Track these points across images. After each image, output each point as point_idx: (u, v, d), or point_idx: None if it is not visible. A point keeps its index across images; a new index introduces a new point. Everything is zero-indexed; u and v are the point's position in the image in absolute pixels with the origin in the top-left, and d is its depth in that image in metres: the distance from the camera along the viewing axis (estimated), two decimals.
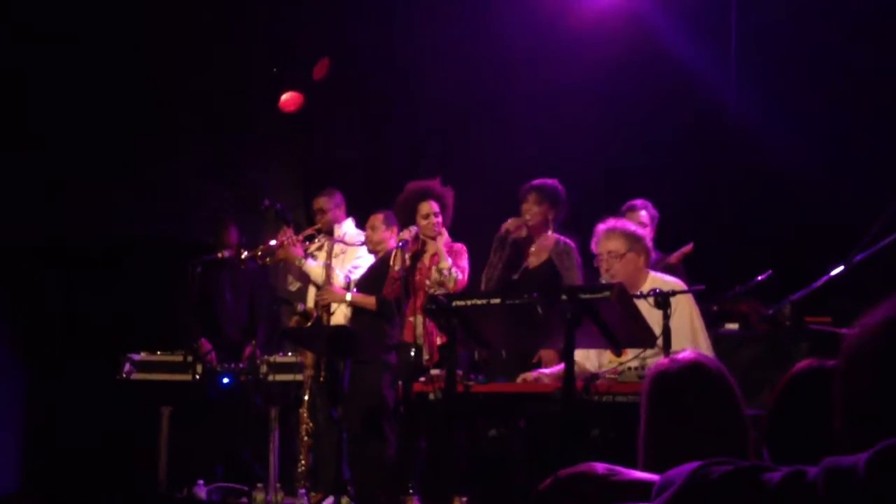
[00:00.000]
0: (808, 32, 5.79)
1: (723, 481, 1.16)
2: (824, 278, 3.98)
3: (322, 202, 5.94)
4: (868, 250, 3.84)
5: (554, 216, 5.07)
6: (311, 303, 5.82)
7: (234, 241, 6.19)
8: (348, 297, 5.58)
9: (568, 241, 5.06)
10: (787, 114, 5.84)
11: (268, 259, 5.85)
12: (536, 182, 5.10)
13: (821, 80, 5.77)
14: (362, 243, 5.71)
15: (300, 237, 5.86)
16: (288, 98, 6.68)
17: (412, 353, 5.13)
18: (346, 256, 5.81)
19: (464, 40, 6.60)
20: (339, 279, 5.69)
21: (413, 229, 5.22)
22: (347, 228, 5.97)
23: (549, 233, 5.09)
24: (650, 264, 4.25)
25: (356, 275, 5.72)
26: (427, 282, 5.19)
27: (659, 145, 6.20)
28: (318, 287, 5.72)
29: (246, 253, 5.75)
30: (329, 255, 5.73)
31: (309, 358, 5.61)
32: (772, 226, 5.94)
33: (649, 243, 4.23)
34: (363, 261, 5.78)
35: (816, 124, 5.77)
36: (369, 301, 5.50)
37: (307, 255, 5.83)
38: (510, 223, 5.00)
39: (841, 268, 3.94)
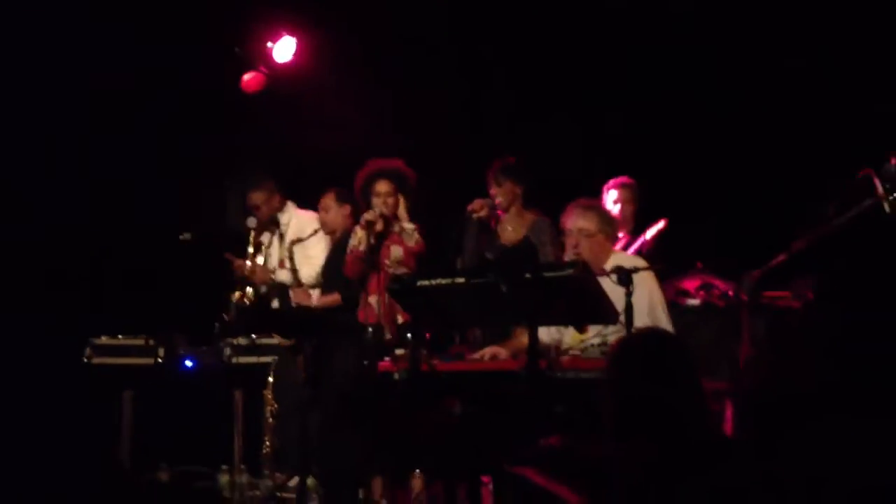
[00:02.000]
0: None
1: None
2: (783, 254, 4.03)
3: (256, 197, 5.91)
4: (825, 228, 3.90)
5: (522, 191, 5.11)
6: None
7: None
8: (314, 301, 5.58)
9: (545, 217, 5.11)
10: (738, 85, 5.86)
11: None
12: (499, 163, 5.13)
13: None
14: (315, 231, 5.70)
15: (254, 258, 5.87)
16: (251, 78, 6.60)
17: (371, 333, 5.13)
18: (304, 245, 5.77)
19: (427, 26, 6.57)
20: (307, 274, 5.73)
21: (377, 210, 5.22)
22: (291, 213, 5.95)
23: (524, 209, 5.13)
24: (615, 243, 4.30)
25: (317, 268, 5.71)
26: (386, 261, 5.20)
27: (620, 125, 6.22)
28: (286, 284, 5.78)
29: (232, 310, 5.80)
30: (288, 250, 5.71)
31: (275, 340, 5.60)
32: (734, 203, 6.00)
33: (619, 227, 4.30)
34: (321, 248, 5.75)
35: (774, 96, 5.82)
36: (334, 299, 5.50)
37: (258, 251, 5.87)
38: (475, 204, 5.02)
39: (800, 244, 4.00)
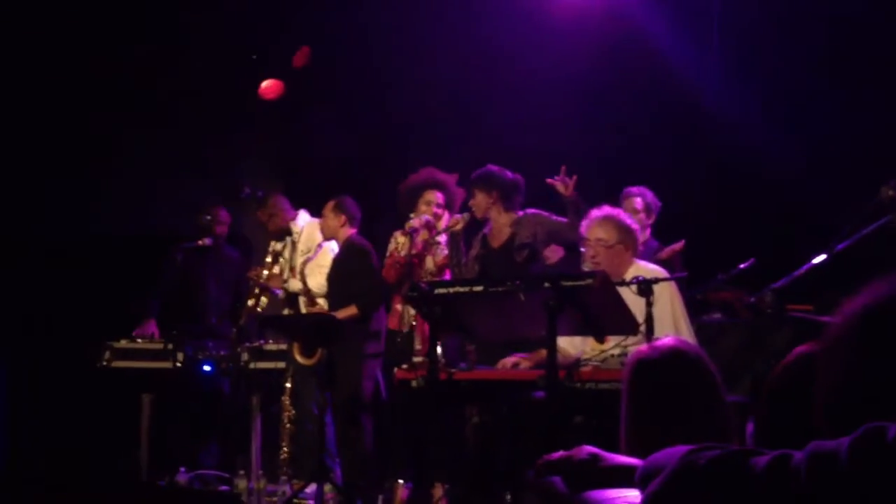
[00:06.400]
0: (790, 22, 5.82)
1: (711, 466, 1.16)
2: (807, 266, 3.99)
3: (261, 215, 6.05)
4: (850, 238, 3.85)
5: (498, 197, 5.12)
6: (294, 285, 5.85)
7: (225, 224, 6.22)
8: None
9: (528, 214, 5.14)
10: (769, 103, 5.87)
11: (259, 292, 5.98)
12: (473, 175, 5.20)
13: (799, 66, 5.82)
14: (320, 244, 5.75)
15: (268, 265, 5.93)
16: (268, 86, 6.64)
17: (398, 341, 5.15)
18: (318, 259, 5.79)
19: (444, 32, 6.57)
20: (318, 283, 5.73)
21: (424, 218, 5.25)
22: (305, 221, 5.99)
23: (506, 212, 5.16)
24: (637, 255, 4.26)
25: (322, 277, 5.71)
26: (421, 271, 5.25)
27: (641, 136, 6.21)
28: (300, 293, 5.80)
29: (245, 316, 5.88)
30: (300, 271, 5.75)
31: (292, 345, 5.61)
32: (755, 214, 5.97)
33: (639, 237, 4.26)
34: (330, 258, 5.76)
35: (797, 113, 5.80)
36: (352, 312, 5.47)
37: (275, 259, 5.94)
38: (451, 221, 5.18)
39: (823, 256, 3.95)
